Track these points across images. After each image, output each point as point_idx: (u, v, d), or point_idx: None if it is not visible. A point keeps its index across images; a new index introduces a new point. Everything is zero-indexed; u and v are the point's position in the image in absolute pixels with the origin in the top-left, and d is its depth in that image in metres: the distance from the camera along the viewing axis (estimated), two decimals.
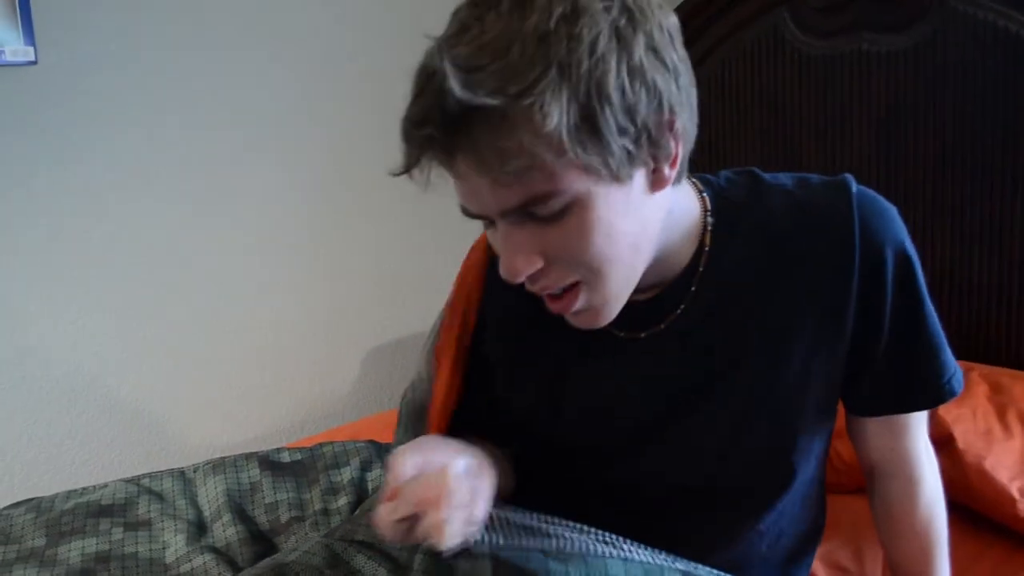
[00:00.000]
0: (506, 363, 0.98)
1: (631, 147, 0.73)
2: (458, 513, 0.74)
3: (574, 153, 0.70)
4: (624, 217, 0.76)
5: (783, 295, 0.85)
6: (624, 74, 0.71)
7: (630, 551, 0.84)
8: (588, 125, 0.70)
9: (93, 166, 1.84)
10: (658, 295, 0.88)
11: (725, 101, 1.97)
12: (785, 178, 0.90)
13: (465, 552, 0.80)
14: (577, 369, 0.93)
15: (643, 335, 0.89)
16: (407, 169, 0.75)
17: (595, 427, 0.93)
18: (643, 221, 0.79)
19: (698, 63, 1.99)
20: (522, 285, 0.86)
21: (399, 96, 0.75)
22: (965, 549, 1.31)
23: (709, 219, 0.87)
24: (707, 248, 0.87)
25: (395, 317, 2.25)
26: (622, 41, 0.71)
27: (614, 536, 0.86)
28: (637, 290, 0.85)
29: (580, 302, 0.79)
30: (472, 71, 0.68)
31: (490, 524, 0.84)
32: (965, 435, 1.35)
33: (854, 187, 0.86)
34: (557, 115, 0.68)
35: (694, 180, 0.90)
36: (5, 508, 1.46)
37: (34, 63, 1.71)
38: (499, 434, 0.99)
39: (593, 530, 0.86)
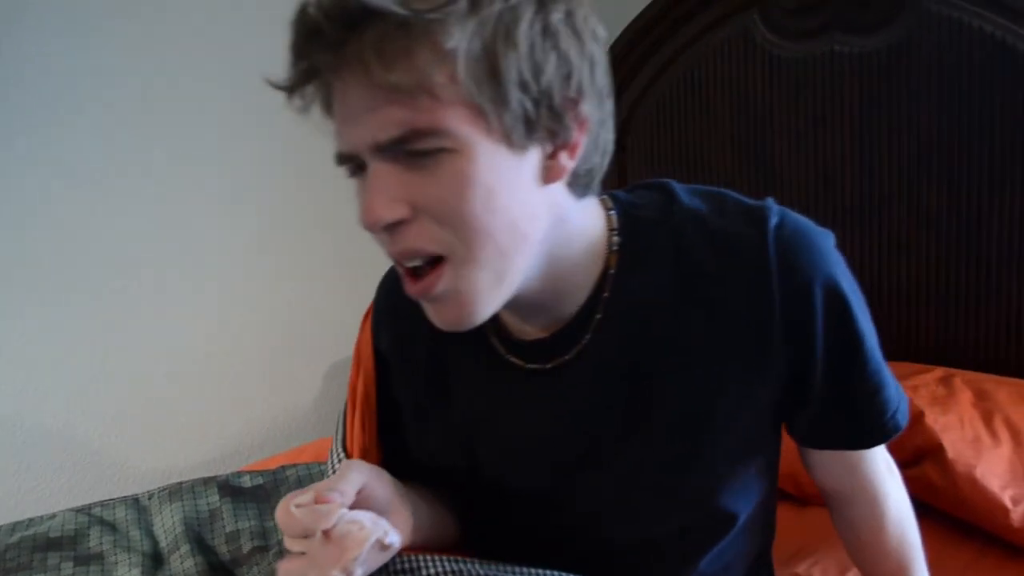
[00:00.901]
0: (413, 408, 0.93)
1: (529, 108, 0.69)
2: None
3: (467, 88, 0.67)
4: (507, 190, 0.70)
5: (698, 323, 0.78)
6: (536, 30, 0.69)
7: None
8: (488, 64, 0.67)
9: (40, 173, 1.77)
10: (565, 323, 0.82)
11: (695, 103, 1.94)
12: (702, 198, 0.83)
13: None
14: (486, 409, 0.87)
15: (549, 366, 0.83)
16: (294, 82, 0.70)
17: (514, 469, 0.87)
18: (528, 209, 0.72)
19: (668, 64, 1.96)
20: (419, 328, 0.83)
21: None
22: (957, 558, 1.29)
23: (615, 239, 0.81)
24: (612, 271, 0.80)
25: (357, 330, 2.18)
26: (541, 1, 0.69)
27: None
28: (545, 320, 0.81)
29: (444, 283, 0.72)
30: None
31: None
32: (954, 444, 1.33)
33: (773, 218, 0.78)
34: (458, 39, 0.66)
35: (603, 197, 0.83)
36: None
37: None
38: (423, 479, 0.94)
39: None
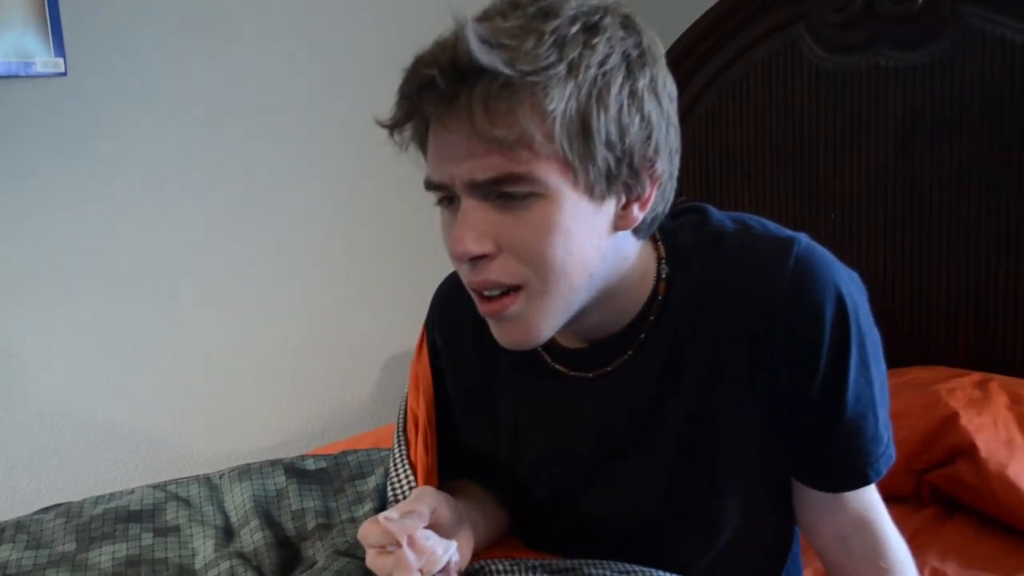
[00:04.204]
0: (463, 402, 1.01)
1: (612, 165, 0.76)
2: None
3: (560, 144, 0.74)
4: (584, 235, 0.78)
5: (714, 344, 0.84)
6: (625, 94, 0.76)
7: None
8: (581, 124, 0.74)
9: (119, 177, 1.87)
10: (609, 338, 0.88)
11: (743, 113, 2.00)
12: (732, 221, 0.88)
13: None
14: (529, 409, 0.95)
15: (591, 375, 0.90)
16: (397, 121, 0.78)
17: (548, 463, 0.95)
18: (599, 252, 0.80)
19: (717, 75, 2.02)
20: (471, 332, 0.92)
21: None
22: (988, 552, 1.33)
23: (664, 268, 0.87)
24: (660, 297, 0.87)
25: (414, 326, 2.26)
26: (630, 68, 0.77)
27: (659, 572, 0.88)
28: (590, 335, 0.88)
29: (516, 307, 0.79)
30: (490, 43, 0.72)
31: (531, 570, 0.89)
32: (987, 444, 1.38)
33: (800, 247, 0.83)
34: (557, 101, 0.73)
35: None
36: (35, 513, 1.48)
37: (63, 74, 1.73)
38: (475, 470, 1.02)
39: (636, 569, 0.89)
